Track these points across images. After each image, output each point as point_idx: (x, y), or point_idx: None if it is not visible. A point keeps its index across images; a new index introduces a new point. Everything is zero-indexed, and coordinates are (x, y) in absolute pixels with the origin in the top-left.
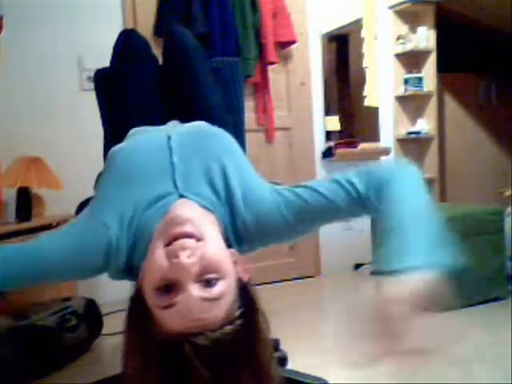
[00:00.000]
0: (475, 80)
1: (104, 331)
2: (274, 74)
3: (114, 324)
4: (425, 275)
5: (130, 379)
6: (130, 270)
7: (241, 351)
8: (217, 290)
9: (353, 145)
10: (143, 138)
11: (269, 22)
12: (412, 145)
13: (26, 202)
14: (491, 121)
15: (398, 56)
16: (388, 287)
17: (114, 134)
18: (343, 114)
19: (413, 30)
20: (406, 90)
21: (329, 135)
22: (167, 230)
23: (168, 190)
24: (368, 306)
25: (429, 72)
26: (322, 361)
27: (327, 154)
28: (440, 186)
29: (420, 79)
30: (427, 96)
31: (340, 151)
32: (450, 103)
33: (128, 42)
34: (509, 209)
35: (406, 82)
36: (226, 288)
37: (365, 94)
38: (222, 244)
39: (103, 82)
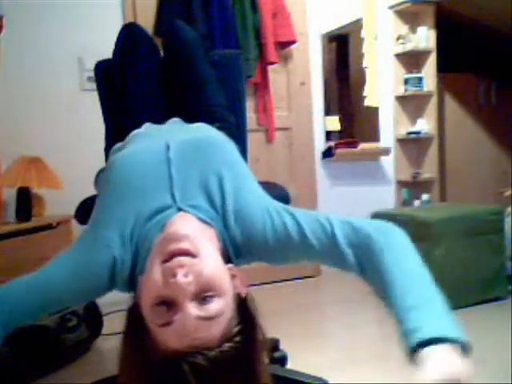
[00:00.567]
0: (475, 80)
1: (104, 331)
2: (274, 74)
3: (114, 324)
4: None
5: None
6: (133, 282)
7: (238, 368)
8: (214, 308)
9: (353, 145)
10: (142, 147)
11: (269, 22)
12: (412, 145)
13: (25, 201)
14: (491, 121)
15: (398, 56)
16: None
17: (114, 129)
18: (343, 114)
19: (413, 30)
20: (406, 90)
21: (329, 135)
22: (164, 247)
23: (166, 203)
24: None
25: (429, 72)
26: (322, 361)
27: (327, 154)
28: (440, 186)
29: (420, 79)
30: (427, 96)
31: (340, 151)
32: (450, 103)
33: (129, 35)
34: (509, 209)
35: (406, 82)
36: (223, 306)
37: (365, 94)
38: (219, 260)
39: (104, 74)
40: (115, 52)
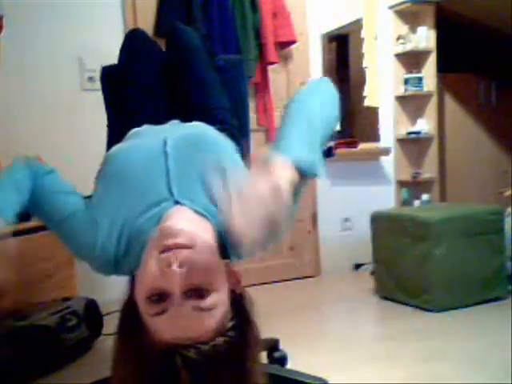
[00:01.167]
0: (475, 80)
1: (104, 331)
2: (274, 74)
3: (114, 324)
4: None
5: None
6: (120, 268)
7: (230, 363)
8: (209, 301)
9: (353, 145)
10: (139, 142)
11: (269, 22)
12: (412, 145)
13: None
14: (491, 121)
15: (398, 56)
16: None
17: (116, 132)
18: (343, 114)
19: (413, 30)
20: (406, 90)
21: None
22: (161, 241)
23: (163, 196)
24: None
25: (429, 72)
26: (322, 361)
27: (327, 153)
28: (440, 186)
29: (420, 79)
30: (427, 96)
31: (340, 151)
32: (450, 103)
33: (132, 40)
34: (509, 209)
35: (406, 82)
36: (218, 299)
37: (365, 94)
38: (215, 254)
39: (108, 79)
40: (120, 58)
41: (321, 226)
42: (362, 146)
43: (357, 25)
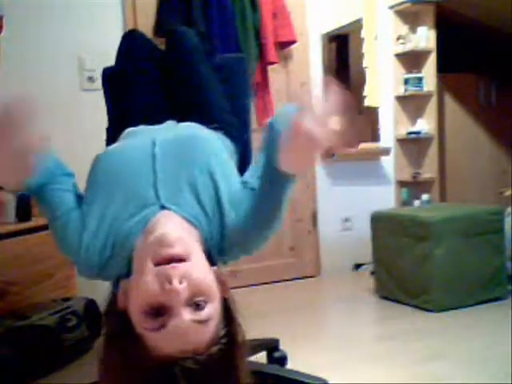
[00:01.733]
0: (475, 80)
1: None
2: (274, 74)
3: None
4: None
5: None
6: (105, 269)
7: (223, 369)
8: (205, 312)
9: None
10: (131, 142)
11: (269, 22)
12: (412, 145)
13: (25, 202)
14: (491, 121)
15: (398, 56)
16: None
17: (114, 132)
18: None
19: (413, 30)
20: (406, 90)
21: None
22: (156, 250)
23: (149, 200)
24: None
25: (429, 72)
26: (322, 361)
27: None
28: (440, 186)
29: (420, 79)
30: (427, 96)
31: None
32: (450, 103)
33: (130, 41)
34: (509, 209)
35: (406, 82)
36: (213, 310)
37: (365, 94)
38: (206, 264)
39: (109, 80)
40: (117, 59)
41: (321, 226)
42: (362, 146)
43: (357, 25)
